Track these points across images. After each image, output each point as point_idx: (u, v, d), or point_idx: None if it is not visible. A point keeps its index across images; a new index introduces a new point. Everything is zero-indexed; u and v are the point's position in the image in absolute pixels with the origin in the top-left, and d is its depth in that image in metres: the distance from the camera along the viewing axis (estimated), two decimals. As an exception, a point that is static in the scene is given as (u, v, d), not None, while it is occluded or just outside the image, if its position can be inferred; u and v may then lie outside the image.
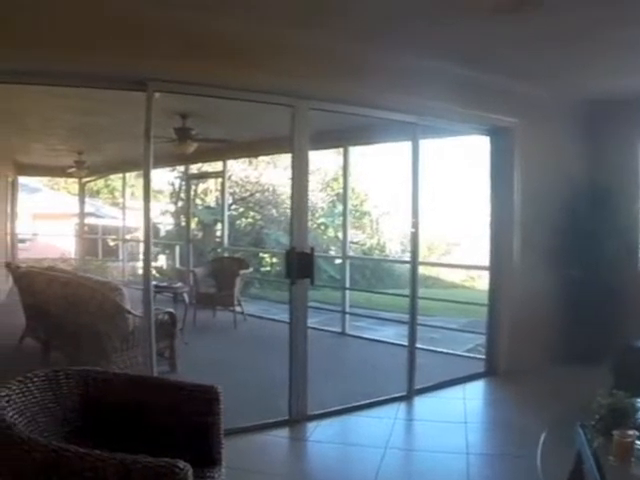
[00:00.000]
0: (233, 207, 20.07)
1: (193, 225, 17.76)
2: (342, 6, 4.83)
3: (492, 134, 7.43)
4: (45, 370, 3.38)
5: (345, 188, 11.06)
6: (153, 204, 5.53)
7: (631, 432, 3.25)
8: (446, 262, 21.90)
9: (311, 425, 5.82)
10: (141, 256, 19.70)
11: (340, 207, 19.12)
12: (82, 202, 18.47)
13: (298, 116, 5.73)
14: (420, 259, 7.32)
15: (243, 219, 20.89)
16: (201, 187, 20.85)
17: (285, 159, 18.61)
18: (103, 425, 3.46)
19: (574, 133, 7.86)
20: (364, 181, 20.64)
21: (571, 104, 7.72)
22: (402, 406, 6.42)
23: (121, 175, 18.92)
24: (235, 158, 16.19)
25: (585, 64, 6.25)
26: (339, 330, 10.43)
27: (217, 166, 15.15)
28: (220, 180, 14.96)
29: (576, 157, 7.82)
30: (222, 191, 14.78)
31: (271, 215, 20.85)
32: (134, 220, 19.21)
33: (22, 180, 17.53)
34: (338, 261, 16.49)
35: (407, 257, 20.31)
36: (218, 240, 16.93)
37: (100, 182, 22.68)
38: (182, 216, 19.27)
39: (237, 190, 20.57)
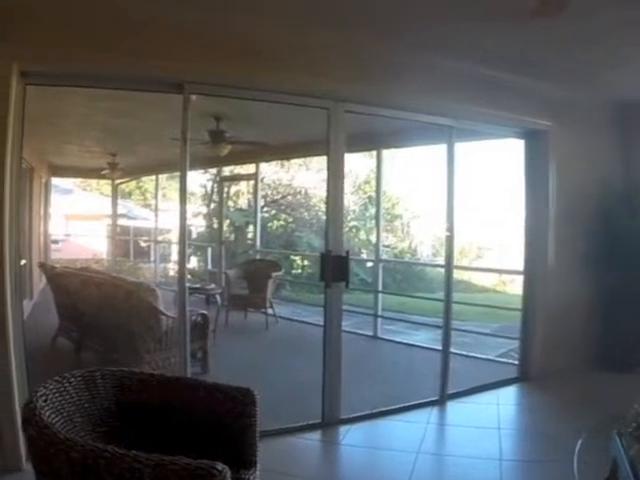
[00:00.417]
0: (265, 209, 20.08)
1: (225, 227, 17.79)
2: (377, 8, 4.82)
3: (527, 137, 7.38)
4: (81, 370, 3.39)
5: (378, 191, 11.04)
6: (179, 207, 5.55)
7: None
8: (480, 266, 21.74)
9: (343, 429, 5.80)
10: (173, 257, 19.84)
11: (372, 210, 19.14)
12: (115, 204, 18.56)
13: (334, 118, 5.72)
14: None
15: (275, 221, 20.89)
16: (233, 189, 20.89)
17: (317, 162, 18.62)
18: (137, 426, 3.47)
19: (609, 135, 7.79)
20: (395, 184, 20.58)
21: (606, 106, 7.66)
22: (434, 411, 6.37)
23: (153, 177, 18.99)
24: (268, 161, 16.13)
25: (619, 65, 6.17)
26: (371, 333, 10.40)
27: (249, 168, 15.17)
28: (252, 182, 14.98)
29: (611, 160, 7.75)
30: (255, 193, 14.81)
31: (303, 218, 20.84)
32: (166, 222, 19.29)
33: (55, 181, 17.61)
34: (369, 264, 16.47)
35: (438, 261, 20.34)
36: (250, 242, 16.96)
37: (132, 184, 22.77)
38: (214, 218, 19.33)
39: (269, 192, 20.59)
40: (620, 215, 7.44)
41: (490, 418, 6.13)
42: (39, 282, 12.37)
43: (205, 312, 7.75)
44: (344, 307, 6.05)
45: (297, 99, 5.67)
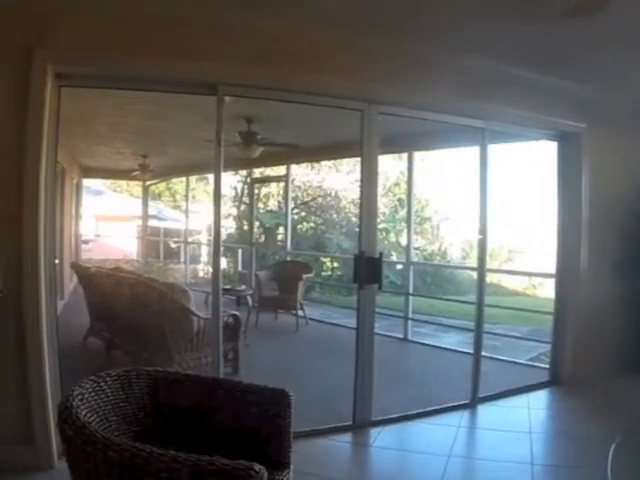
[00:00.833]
0: (295, 211, 20.11)
1: (254, 229, 17.87)
2: (410, 8, 4.79)
3: (560, 139, 7.30)
4: (117, 370, 3.42)
5: (409, 193, 11.02)
6: (213, 208, 5.56)
7: None
8: (511, 269, 21.62)
9: (374, 431, 5.79)
10: (202, 258, 19.93)
11: (401, 212, 19.12)
12: (146, 205, 18.69)
13: (367, 120, 5.71)
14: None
15: (304, 223, 20.94)
16: (263, 191, 20.95)
17: (348, 164, 18.64)
18: (172, 425, 3.49)
19: (643, 138, 7.70)
20: (424, 186, 20.55)
21: None
22: (465, 414, 6.34)
23: (182, 178, 19.11)
24: (299, 162, 16.14)
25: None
26: (401, 336, 10.38)
27: (280, 170, 15.22)
28: (283, 184, 15.03)
29: (646, 163, 7.66)
30: (286, 195, 14.84)
31: (332, 220, 20.84)
32: (196, 223, 19.38)
33: (86, 182, 17.77)
34: (398, 266, 16.46)
35: (468, 263, 20.26)
36: (280, 244, 17.01)
37: (161, 185, 22.93)
38: (244, 220, 19.41)
39: (299, 194, 20.63)
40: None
41: (521, 422, 6.08)
42: (69, 282, 12.47)
43: (237, 313, 7.78)
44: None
45: (331, 101, 5.66)
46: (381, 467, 5.29)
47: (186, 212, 18.86)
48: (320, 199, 21.05)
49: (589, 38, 5.24)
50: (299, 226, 20.36)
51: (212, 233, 5.67)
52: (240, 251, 16.35)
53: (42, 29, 4.49)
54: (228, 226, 21.59)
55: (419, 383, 7.61)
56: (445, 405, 6.39)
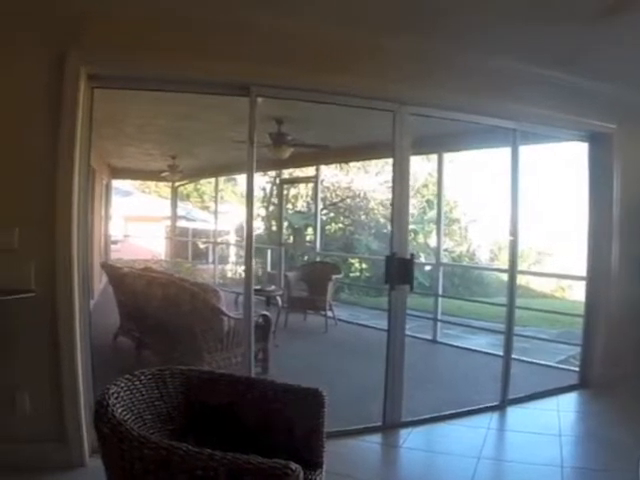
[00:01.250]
0: (324, 212, 20.13)
1: (283, 229, 17.91)
2: (440, 9, 4.79)
3: (591, 140, 7.25)
4: (151, 369, 3.45)
5: (439, 195, 11.02)
6: (245, 208, 5.58)
7: None
8: (540, 271, 21.49)
9: (404, 432, 5.78)
10: (231, 259, 19.99)
11: (430, 214, 19.08)
12: (175, 205, 18.80)
13: (399, 121, 5.70)
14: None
15: (333, 224, 20.95)
16: (292, 192, 20.99)
17: (376, 165, 18.63)
18: (205, 424, 3.52)
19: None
20: (453, 187, 20.49)
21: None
22: (495, 416, 6.31)
23: (210, 179, 19.18)
24: (328, 163, 16.13)
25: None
26: (430, 337, 10.37)
27: (309, 171, 15.24)
28: (311, 185, 15.05)
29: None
30: (315, 196, 14.87)
31: (361, 221, 20.84)
32: (224, 223, 19.45)
33: (115, 183, 17.92)
34: (427, 268, 16.41)
35: (496, 265, 20.15)
36: (309, 244, 17.03)
37: (190, 186, 23.04)
38: (272, 220, 19.45)
39: (328, 195, 20.64)
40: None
41: (551, 424, 6.06)
42: (99, 282, 12.58)
43: (267, 313, 7.81)
44: (404, 311, 6.05)
45: (363, 102, 5.66)
46: (411, 468, 5.30)
47: (215, 213, 18.92)
48: (349, 200, 21.04)
49: (620, 37, 5.20)
50: (328, 227, 20.38)
51: (244, 233, 5.68)
52: (269, 252, 16.38)
53: (75, 31, 4.53)
54: (257, 227, 21.66)
55: (448, 384, 7.61)
56: (474, 407, 6.37)
